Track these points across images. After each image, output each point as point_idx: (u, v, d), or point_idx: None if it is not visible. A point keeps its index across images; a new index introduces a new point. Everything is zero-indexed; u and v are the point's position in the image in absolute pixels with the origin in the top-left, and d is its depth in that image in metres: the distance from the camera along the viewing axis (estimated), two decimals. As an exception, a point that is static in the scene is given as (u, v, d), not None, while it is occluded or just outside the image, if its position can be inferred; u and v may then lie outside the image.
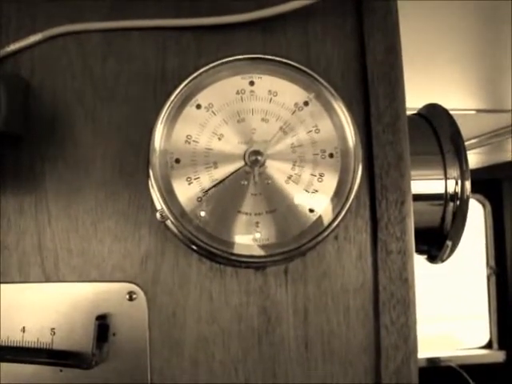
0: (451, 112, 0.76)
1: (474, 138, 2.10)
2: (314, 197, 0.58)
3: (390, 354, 0.61)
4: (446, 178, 0.69)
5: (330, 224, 0.58)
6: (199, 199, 0.57)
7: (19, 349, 0.60)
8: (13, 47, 0.63)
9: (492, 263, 2.76)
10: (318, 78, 0.60)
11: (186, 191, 0.57)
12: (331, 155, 0.59)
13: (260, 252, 0.57)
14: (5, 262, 0.61)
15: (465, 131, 0.72)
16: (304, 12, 0.64)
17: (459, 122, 0.74)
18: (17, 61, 0.64)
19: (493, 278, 2.76)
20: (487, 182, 2.49)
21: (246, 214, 0.57)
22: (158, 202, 0.57)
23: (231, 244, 0.57)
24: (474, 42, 1.42)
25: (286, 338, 0.62)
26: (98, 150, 0.63)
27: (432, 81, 1.62)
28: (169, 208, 0.56)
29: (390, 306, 0.61)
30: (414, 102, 0.71)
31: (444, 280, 2.77)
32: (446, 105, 0.77)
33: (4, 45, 0.63)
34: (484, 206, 2.69)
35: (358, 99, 0.65)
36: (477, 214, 2.67)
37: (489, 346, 2.76)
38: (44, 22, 0.64)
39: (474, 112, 1.91)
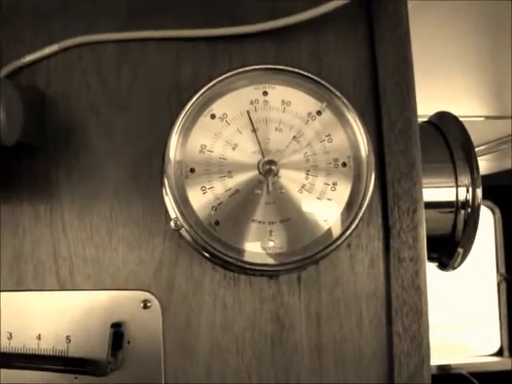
0: (460, 119, 0.76)
1: (482, 144, 2.10)
2: (328, 206, 0.59)
3: (402, 361, 0.61)
4: (457, 186, 0.70)
5: (343, 232, 0.58)
6: (213, 208, 0.58)
7: (35, 356, 0.61)
8: (29, 58, 0.64)
9: (502, 270, 2.74)
10: (331, 87, 0.60)
11: (201, 200, 0.58)
12: (344, 164, 0.59)
13: (273, 260, 0.58)
14: (20, 270, 0.62)
15: (473, 138, 0.73)
16: (316, 22, 0.65)
17: (468, 129, 0.74)
18: (33, 71, 0.64)
19: (503, 285, 2.74)
20: (497, 189, 2.49)
21: (260, 222, 0.58)
22: (173, 211, 0.57)
23: (245, 252, 0.58)
24: (483, 48, 1.42)
25: (299, 345, 0.62)
26: (113, 158, 0.63)
27: (440, 88, 1.63)
28: (183, 217, 0.57)
29: (403, 313, 0.62)
30: (422, 109, 0.71)
31: (454, 287, 2.75)
32: (455, 112, 0.77)
33: (20, 56, 0.64)
34: (493, 212, 2.68)
35: (370, 108, 0.65)
36: (486, 221, 2.66)
37: (499, 353, 2.74)
38: (60, 33, 0.64)
39: (482, 119, 1.91)
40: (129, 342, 0.61)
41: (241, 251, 0.57)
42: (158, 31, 0.64)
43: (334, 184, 0.59)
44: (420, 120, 0.71)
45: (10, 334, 0.61)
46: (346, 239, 0.59)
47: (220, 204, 0.58)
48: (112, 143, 0.64)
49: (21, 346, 0.61)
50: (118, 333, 0.61)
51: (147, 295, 0.62)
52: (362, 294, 0.63)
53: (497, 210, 2.64)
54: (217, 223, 0.57)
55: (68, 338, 0.61)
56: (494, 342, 2.78)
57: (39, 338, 0.61)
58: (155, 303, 0.62)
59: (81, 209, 0.63)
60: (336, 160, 0.59)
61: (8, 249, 0.62)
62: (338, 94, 0.60)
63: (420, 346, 0.61)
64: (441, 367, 2.52)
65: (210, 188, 0.58)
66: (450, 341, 2.75)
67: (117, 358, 0.60)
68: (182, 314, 0.62)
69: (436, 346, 0.62)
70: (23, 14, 0.65)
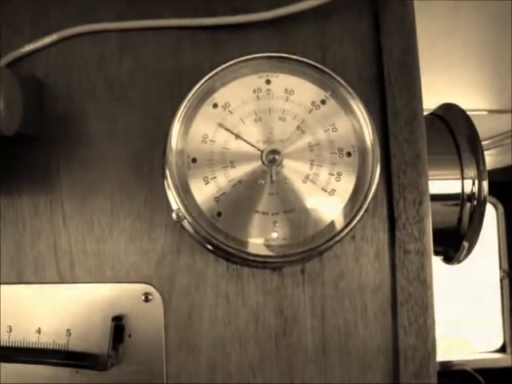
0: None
1: (486, 139, 2.09)
2: (332, 196, 0.58)
3: (408, 355, 0.61)
4: (463, 178, 0.69)
5: (347, 224, 0.57)
6: (216, 199, 0.57)
7: (35, 350, 0.60)
8: (28, 48, 0.63)
9: (505, 266, 2.73)
10: (335, 76, 0.59)
11: (203, 191, 0.57)
12: (349, 154, 0.58)
13: (277, 252, 0.57)
14: (20, 263, 0.61)
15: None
16: (320, 11, 0.64)
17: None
18: (32, 61, 0.64)
19: (506, 281, 2.73)
20: (500, 184, 2.47)
21: (264, 213, 0.57)
22: (175, 202, 0.56)
23: (248, 244, 0.57)
24: (488, 42, 1.41)
25: (303, 338, 0.61)
26: (114, 150, 0.62)
27: (444, 81, 1.62)
28: (185, 208, 0.56)
29: (408, 306, 0.61)
30: (425, 102, 0.70)
31: (456, 283, 2.75)
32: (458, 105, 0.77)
33: (20, 45, 0.63)
34: (496, 208, 2.67)
35: (375, 98, 0.64)
36: (489, 216, 2.65)
37: (502, 349, 2.73)
38: (59, 23, 0.64)
39: (485, 113, 1.90)
40: (130, 336, 0.60)
41: (244, 243, 0.56)
42: (158, 20, 0.63)
43: (339, 174, 0.58)
44: (425, 113, 0.70)
45: (10, 328, 0.60)
46: (350, 231, 0.57)
47: (223, 195, 0.57)
48: (113, 134, 0.63)
49: (21, 339, 0.60)
50: (118, 326, 0.60)
51: (149, 288, 0.61)
52: (367, 286, 0.62)
53: (499, 206, 2.63)
54: (219, 214, 0.56)
55: (68, 332, 0.60)
56: (497, 338, 2.78)
57: (39, 331, 0.60)
58: (157, 296, 0.61)
59: (81, 201, 0.62)
60: (341, 150, 0.58)
61: (8, 241, 0.61)
62: (342, 82, 0.59)
63: (426, 341, 0.61)
64: (443, 363, 2.52)
65: (212, 178, 0.57)
66: (452, 337, 2.75)
67: (118, 352, 0.59)
68: (183, 307, 0.61)
69: (437, 342, 0.61)
70: (22, 2, 0.64)
